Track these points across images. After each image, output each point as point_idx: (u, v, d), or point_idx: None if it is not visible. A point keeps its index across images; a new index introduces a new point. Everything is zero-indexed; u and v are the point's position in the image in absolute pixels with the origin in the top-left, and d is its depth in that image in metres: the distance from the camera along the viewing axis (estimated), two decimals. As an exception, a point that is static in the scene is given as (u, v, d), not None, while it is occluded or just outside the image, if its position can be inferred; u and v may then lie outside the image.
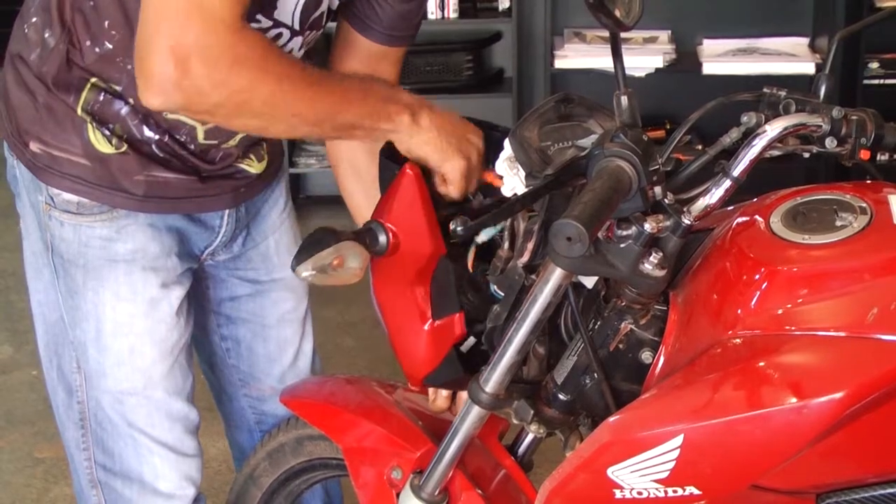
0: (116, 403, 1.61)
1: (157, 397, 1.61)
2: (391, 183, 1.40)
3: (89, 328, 1.58)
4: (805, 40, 3.99)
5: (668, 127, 3.92)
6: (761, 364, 1.19)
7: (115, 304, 1.56)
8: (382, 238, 1.38)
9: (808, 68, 3.83)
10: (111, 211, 1.53)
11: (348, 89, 1.38)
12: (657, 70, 3.87)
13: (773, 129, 1.26)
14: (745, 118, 1.30)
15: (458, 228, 1.25)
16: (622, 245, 1.23)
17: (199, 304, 1.74)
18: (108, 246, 1.54)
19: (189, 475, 1.67)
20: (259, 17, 1.42)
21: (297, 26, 1.45)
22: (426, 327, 1.43)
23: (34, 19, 1.51)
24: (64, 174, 1.51)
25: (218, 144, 1.56)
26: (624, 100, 1.30)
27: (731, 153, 1.28)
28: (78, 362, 1.62)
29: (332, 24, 1.60)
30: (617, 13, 1.22)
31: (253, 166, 1.64)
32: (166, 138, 1.51)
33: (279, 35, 1.45)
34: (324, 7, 1.49)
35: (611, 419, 1.25)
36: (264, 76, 1.28)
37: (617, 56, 1.30)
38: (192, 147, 1.54)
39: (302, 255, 1.30)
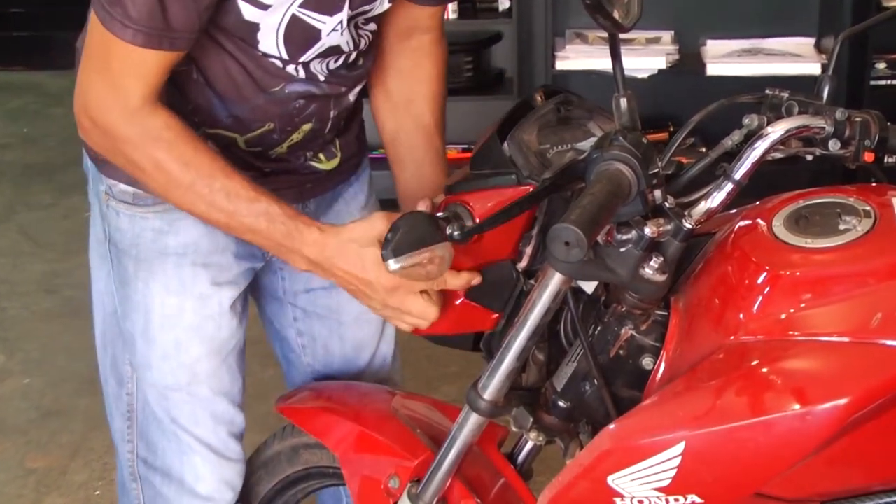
0: (161, 398, 1.63)
1: (201, 395, 1.63)
2: (501, 182, 1.35)
3: (138, 319, 1.61)
4: (811, 41, 3.99)
5: (671, 129, 3.92)
6: (764, 370, 1.19)
7: (164, 297, 1.59)
8: (469, 223, 1.35)
9: (814, 69, 3.83)
10: (165, 203, 1.54)
11: (238, 212, 1.42)
12: (660, 71, 3.87)
13: (776, 131, 1.26)
14: (746, 120, 1.31)
15: (455, 233, 1.25)
16: (622, 249, 1.24)
17: (275, 296, 1.76)
18: (160, 238, 1.57)
19: (229, 480, 1.68)
20: (246, 47, 1.44)
21: (285, 56, 1.46)
22: (457, 302, 1.45)
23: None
24: None
25: (264, 151, 1.58)
26: (623, 102, 1.30)
27: (734, 156, 1.28)
28: (129, 354, 1.64)
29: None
30: (615, 14, 1.22)
31: (322, 163, 1.65)
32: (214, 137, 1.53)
33: (272, 63, 1.47)
34: (329, 42, 1.47)
35: (611, 426, 1.25)
36: (143, 164, 1.42)
37: (616, 58, 1.30)
38: (238, 151, 1.56)
39: (399, 248, 1.26)
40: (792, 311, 1.21)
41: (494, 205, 1.33)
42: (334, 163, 1.66)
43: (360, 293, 1.44)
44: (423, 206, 1.42)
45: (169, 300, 1.59)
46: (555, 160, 1.35)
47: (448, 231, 1.27)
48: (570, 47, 3.94)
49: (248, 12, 1.39)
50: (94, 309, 1.70)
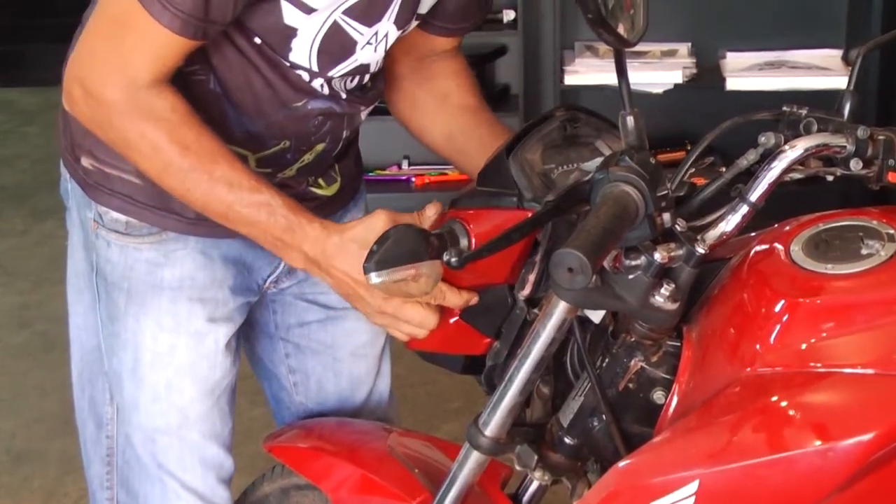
0: (148, 442, 1.64)
1: (191, 439, 1.64)
2: (504, 204, 1.38)
3: (127, 358, 1.62)
4: (838, 52, 4.01)
5: (688, 148, 3.92)
6: (783, 404, 1.21)
7: (156, 334, 1.60)
8: (465, 243, 1.38)
9: (842, 83, 3.78)
10: (160, 233, 1.57)
11: (238, 202, 1.43)
12: (676, 86, 3.87)
13: (793, 150, 1.28)
14: (762, 139, 1.32)
15: (452, 259, 1.28)
16: (630, 276, 1.25)
17: (266, 331, 1.78)
18: (155, 271, 1.59)
19: None
20: (274, 56, 1.47)
21: (315, 68, 1.50)
22: (451, 320, 1.47)
23: None
24: (114, 192, 1.57)
25: (273, 173, 1.60)
26: (630, 120, 1.32)
27: (750, 176, 1.30)
28: (111, 394, 1.66)
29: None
30: (620, 28, 1.25)
31: (322, 189, 1.68)
32: None
33: (299, 76, 1.50)
34: (361, 58, 1.51)
35: (620, 464, 1.27)
36: (139, 144, 1.43)
37: (622, 74, 1.32)
38: None
39: (382, 261, 1.28)
40: (812, 341, 1.22)
41: (493, 227, 1.35)
42: (335, 188, 1.69)
43: (356, 297, 1.45)
44: (432, 211, 1.44)
45: (161, 338, 1.60)
46: (559, 181, 1.37)
47: (445, 257, 1.29)
48: (579, 61, 3.96)
49: (290, 15, 1.42)
50: (72, 346, 1.71)
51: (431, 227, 1.39)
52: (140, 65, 1.40)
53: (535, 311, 1.41)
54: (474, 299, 1.44)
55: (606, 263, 1.26)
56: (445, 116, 1.68)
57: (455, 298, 1.43)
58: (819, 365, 1.22)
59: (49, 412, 3.13)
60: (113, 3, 1.41)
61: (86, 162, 1.58)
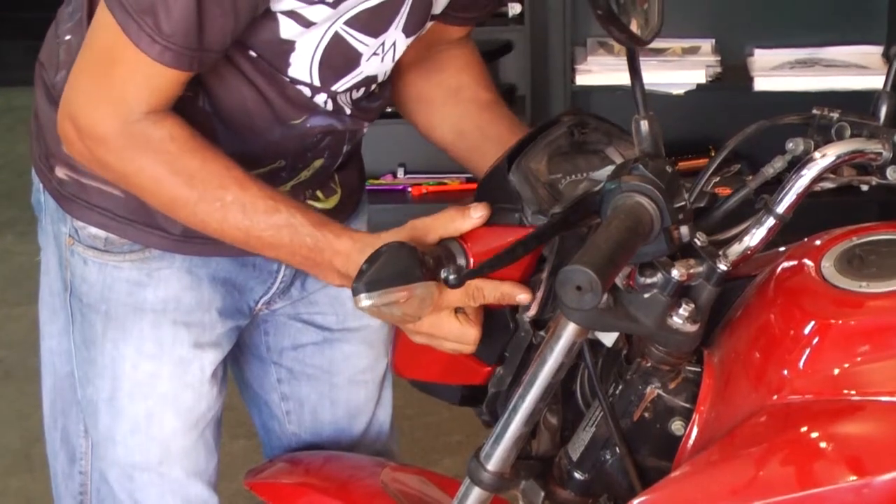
0: (125, 479, 1.65)
1: (173, 476, 1.65)
2: (504, 220, 1.39)
3: (104, 386, 1.62)
4: (878, 49, 4.02)
5: (711, 154, 3.94)
6: (813, 435, 1.21)
7: (136, 362, 1.61)
8: (462, 263, 1.38)
9: (882, 83, 3.84)
10: (143, 251, 1.58)
11: (256, 226, 1.43)
12: (699, 86, 3.89)
13: (824, 157, 1.29)
14: (790, 145, 1.33)
15: (451, 277, 1.29)
16: (646, 295, 1.26)
17: (257, 354, 1.79)
18: (136, 291, 1.59)
19: None
20: (272, 71, 1.48)
21: (317, 83, 1.51)
22: None
23: (68, 37, 1.57)
24: (92, 206, 1.57)
25: None
26: (644, 125, 1.33)
27: (777, 185, 1.31)
28: (86, 426, 1.66)
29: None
30: (633, 26, 1.26)
31: (321, 202, 1.68)
32: None
33: (299, 92, 1.51)
34: (367, 70, 1.52)
35: (635, 501, 1.27)
36: (141, 180, 1.45)
37: (635, 74, 1.33)
38: None
39: (372, 282, 1.28)
40: (846, 366, 1.23)
41: (493, 248, 1.34)
42: (334, 200, 1.70)
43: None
44: (479, 212, 1.40)
45: (142, 365, 1.61)
46: (567, 192, 1.38)
47: (443, 274, 1.30)
48: (592, 59, 3.97)
49: (287, 29, 1.43)
50: (43, 372, 1.72)
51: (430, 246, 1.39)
52: (133, 98, 1.41)
53: (542, 333, 1.42)
54: (521, 294, 1.40)
55: (619, 281, 1.27)
56: (457, 111, 1.69)
57: (493, 291, 1.39)
58: (853, 392, 1.23)
59: (7, 447, 3.12)
60: (99, 36, 1.42)
61: (60, 172, 1.59)
